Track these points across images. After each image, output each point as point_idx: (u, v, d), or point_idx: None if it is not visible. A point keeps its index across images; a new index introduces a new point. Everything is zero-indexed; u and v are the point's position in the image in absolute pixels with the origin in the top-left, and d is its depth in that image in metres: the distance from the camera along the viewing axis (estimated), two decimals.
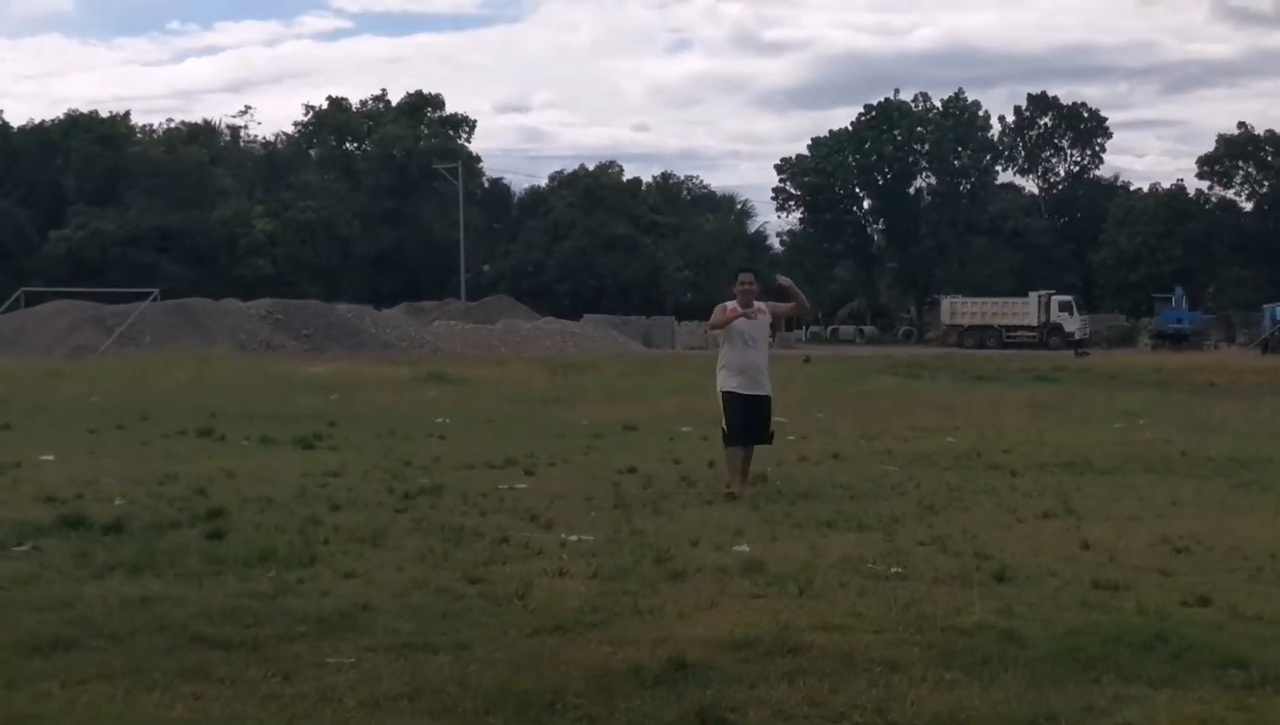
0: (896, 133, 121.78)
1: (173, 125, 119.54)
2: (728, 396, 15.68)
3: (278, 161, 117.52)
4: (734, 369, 15.72)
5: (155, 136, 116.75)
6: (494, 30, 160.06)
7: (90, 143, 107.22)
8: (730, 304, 15.96)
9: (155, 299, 68.93)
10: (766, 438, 16.05)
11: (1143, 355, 77.33)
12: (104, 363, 51.39)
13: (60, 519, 13.35)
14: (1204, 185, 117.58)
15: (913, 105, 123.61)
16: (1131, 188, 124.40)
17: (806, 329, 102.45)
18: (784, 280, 16.75)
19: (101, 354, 56.95)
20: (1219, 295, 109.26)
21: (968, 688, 7.83)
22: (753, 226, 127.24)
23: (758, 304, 15.95)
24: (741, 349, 15.73)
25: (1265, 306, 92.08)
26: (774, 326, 17.64)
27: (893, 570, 11.24)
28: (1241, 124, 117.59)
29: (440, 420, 26.13)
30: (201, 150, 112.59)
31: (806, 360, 56.17)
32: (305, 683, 7.97)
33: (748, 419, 15.53)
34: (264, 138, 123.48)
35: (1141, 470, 18.83)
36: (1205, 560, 11.75)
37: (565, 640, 8.88)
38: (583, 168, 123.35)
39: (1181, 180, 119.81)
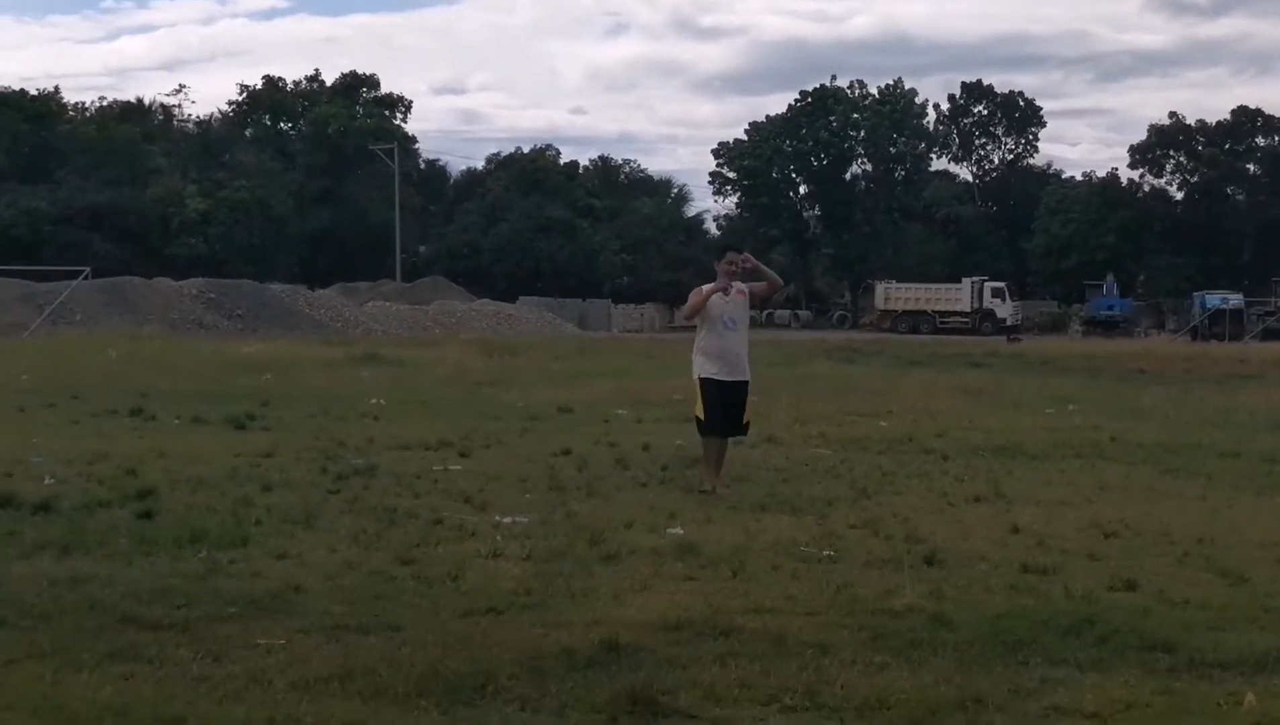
0: (832, 119, 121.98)
1: (106, 103, 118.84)
2: (706, 383, 14.83)
3: (211, 141, 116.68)
4: (713, 354, 14.92)
5: (88, 115, 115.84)
6: (431, 11, 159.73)
7: (20, 120, 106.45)
8: (706, 287, 15.24)
9: (87, 277, 68.35)
10: (742, 428, 15.30)
11: (1073, 342, 77.96)
12: (34, 341, 50.96)
13: None
14: (1135, 174, 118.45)
15: (849, 92, 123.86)
16: (1064, 176, 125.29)
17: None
18: (749, 259, 15.54)
19: (32, 333, 56.42)
20: (1150, 283, 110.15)
21: (897, 670, 7.87)
22: (690, 211, 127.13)
23: (736, 285, 15.12)
24: (721, 332, 14.93)
25: (1195, 294, 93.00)
26: (752, 308, 16.46)
27: (825, 553, 11.28)
28: (1173, 114, 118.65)
29: (374, 401, 26.03)
30: (134, 129, 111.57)
31: None
32: (235, 664, 7.94)
33: (725, 407, 14.73)
34: (198, 117, 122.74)
35: (1071, 455, 18.94)
36: (1133, 545, 11.85)
37: (498, 622, 8.88)
38: (519, 150, 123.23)
39: (1114, 169, 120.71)
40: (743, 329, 15.21)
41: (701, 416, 14.83)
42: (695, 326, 15.69)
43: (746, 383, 15.11)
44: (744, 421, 15.21)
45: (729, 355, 14.88)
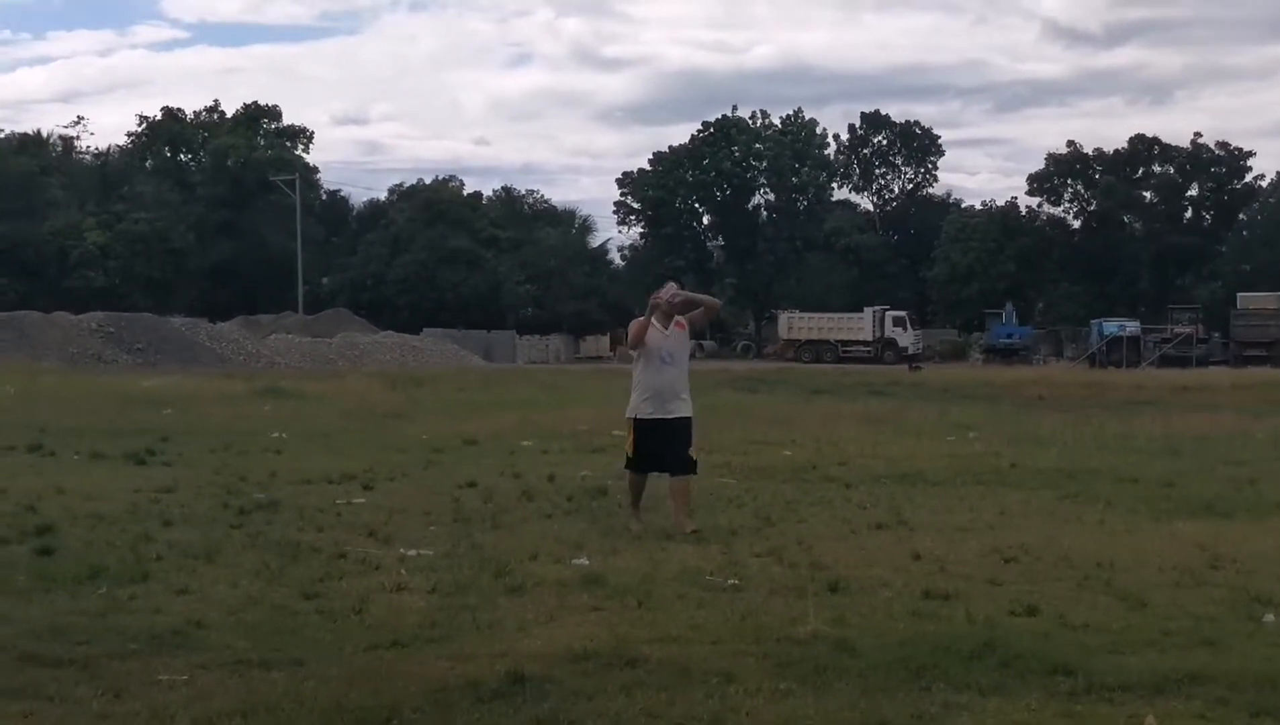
0: (735, 149, 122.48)
1: (2, 135, 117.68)
2: (638, 423, 14.30)
3: (110, 173, 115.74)
4: (647, 390, 14.28)
5: None
6: (332, 42, 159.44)
7: None
8: (641, 319, 14.63)
9: None
10: (688, 464, 14.36)
11: (974, 369, 78.58)
12: None
13: None
14: (1034, 202, 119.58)
15: (750, 122, 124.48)
16: (964, 205, 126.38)
17: None
18: (678, 294, 14.77)
19: None
20: (1048, 310, 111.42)
21: (802, 697, 7.91)
22: (594, 241, 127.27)
23: (676, 318, 14.40)
24: (658, 367, 14.24)
25: (1093, 322, 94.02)
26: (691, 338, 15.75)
27: (730, 582, 11.31)
28: (1070, 142, 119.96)
29: (276, 435, 25.88)
30: (31, 161, 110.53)
31: None
32: (137, 700, 7.89)
33: (659, 444, 14.10)
34: (96, 149, 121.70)
35: (972, 482, 19.07)
36: (1033, 570, 11.95)
37: (403, 655, 8.86)
38: (422, 181, 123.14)
39: (1013, 198, 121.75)
40: (681, 363, 14.56)
41: (630, 453, 14.48)
42: (631, 359, 15.21)
43: (687, 418, 14.42)
44: (690, 459, 14.42)
45: (665, 392, 14.23)
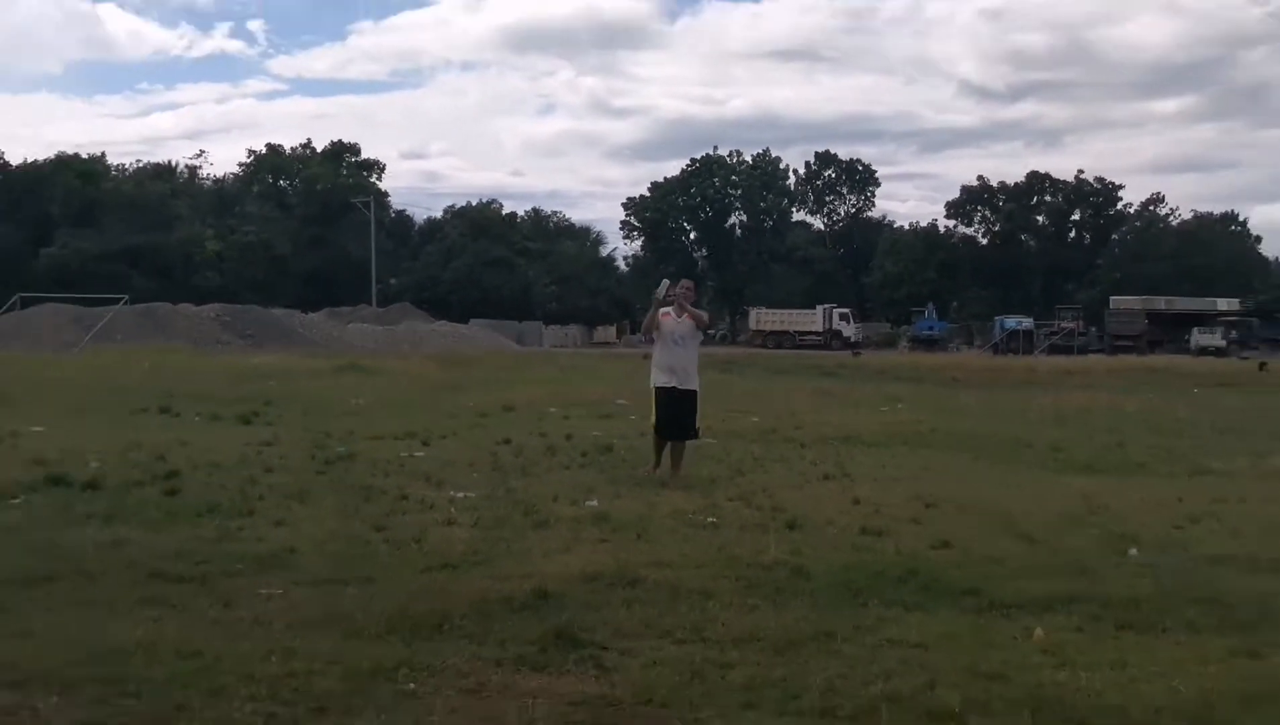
0: (715, 180, 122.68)
1: (141, 165, 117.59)
2: (657, 391, 13.88)
3: (225, 195, 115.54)
4: (664, 366, 13.89)
5: (127, 174, 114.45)
6: (400, 94, 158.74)
7: (73, 178, 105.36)
8: (665, 293, 14.15)
9: (125, 303, 67.74)
10: (692, 432, 14.19)
11: (902, 356, 78.39)
12: (83, 355, 50.26)
13: (47, 478, 13.09)
14: (951, 224, 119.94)
15: (728, 159, 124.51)
16: (895, 225, 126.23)
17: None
18: (690, 292, 14.37)
19: (81, 349, 55.63)
20: (961, 309, 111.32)
21: (765, 611, 7.91)
22: (604, 251, 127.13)
23: (687, 311, 14.01)
24: (671, 348, 13.85)
25: (996, 318, 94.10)
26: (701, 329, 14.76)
27: (709, 520, 11.30)
28: (980, 177, 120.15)
29: (354, 402, 25.90)
30: (164, 185, 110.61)
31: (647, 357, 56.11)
32: (243, 609, 7.89)
33: (674, 413, 13.71)
34: (215, 176, 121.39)
35: (900, 443, 19.08)
36: (948, 513, 11.93)
37: (452, 576, 8.85)
38: (470, 203, 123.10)
39: (935, 220, 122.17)
40: (691, 347, 14.16)
41: (653, 418, 13.98)
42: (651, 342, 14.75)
43: (694, 392, 14.04)
44: (695, 426, 14.26)
45: (678, 367, 13.82)
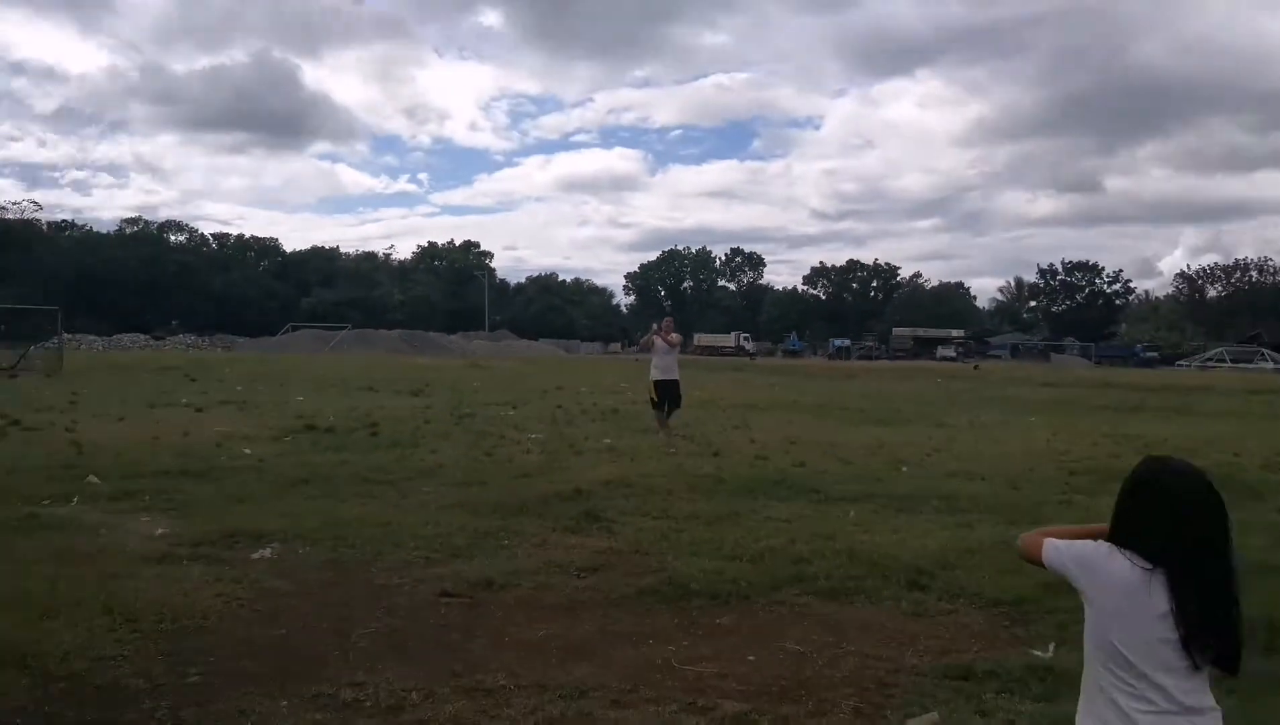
0: (676, 263, 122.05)
1: (358, 253, 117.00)
2: (654, 382, 12.61)
3: (405, 270, 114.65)
4: (658, 367, 12.61)
5: (350, 258, 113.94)
6: (502, 214, 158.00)
7: (321, 260, 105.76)
8: (656, 327, 13.05)
9: (349, 329, 67.71)
10: (677, 404, 12.71)
11: (778, 360, 78.27)
12: (322, 358, 50.06)
13: (304, 426, 13.08)
14: (805, 287, 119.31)
15: (683, 252, 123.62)
16: (775, 288, 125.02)
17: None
18: (670, 329, 13.08)
19: (323, 355, 55.42)
20: (811, 335, 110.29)
21: (702, 501, 7.89)
22: (614, 302, 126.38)
23: (673, 335, 12.88)
24: (661, 356, 12.61)
25: (830, 340, 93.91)
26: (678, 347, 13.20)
27: (670, 451, 11.27)
28: (820, 262, 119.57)
29: (475, 385, 25.82)
30: (370, 264, 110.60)
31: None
32: (412, 498, 7.89)
33: (664, 394, 12.46)
34: (399, 259, 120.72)
35: (777, 408, 19.03)
36: (803, 446, 11.88)
37: (527, 481, 8.83)
38: (540, 275, 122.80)
39: (796, 286, 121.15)
40: (673, 356, 12.79)
41: (652, 398, 12.73)
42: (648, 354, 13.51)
43: (677, 381, 12.66)
44: (679, 400, 12.83)
45: (666, 367, 12.55)
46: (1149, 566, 1.96)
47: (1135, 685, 1.94)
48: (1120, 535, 2.02)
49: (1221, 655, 1.95)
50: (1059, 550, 2.06)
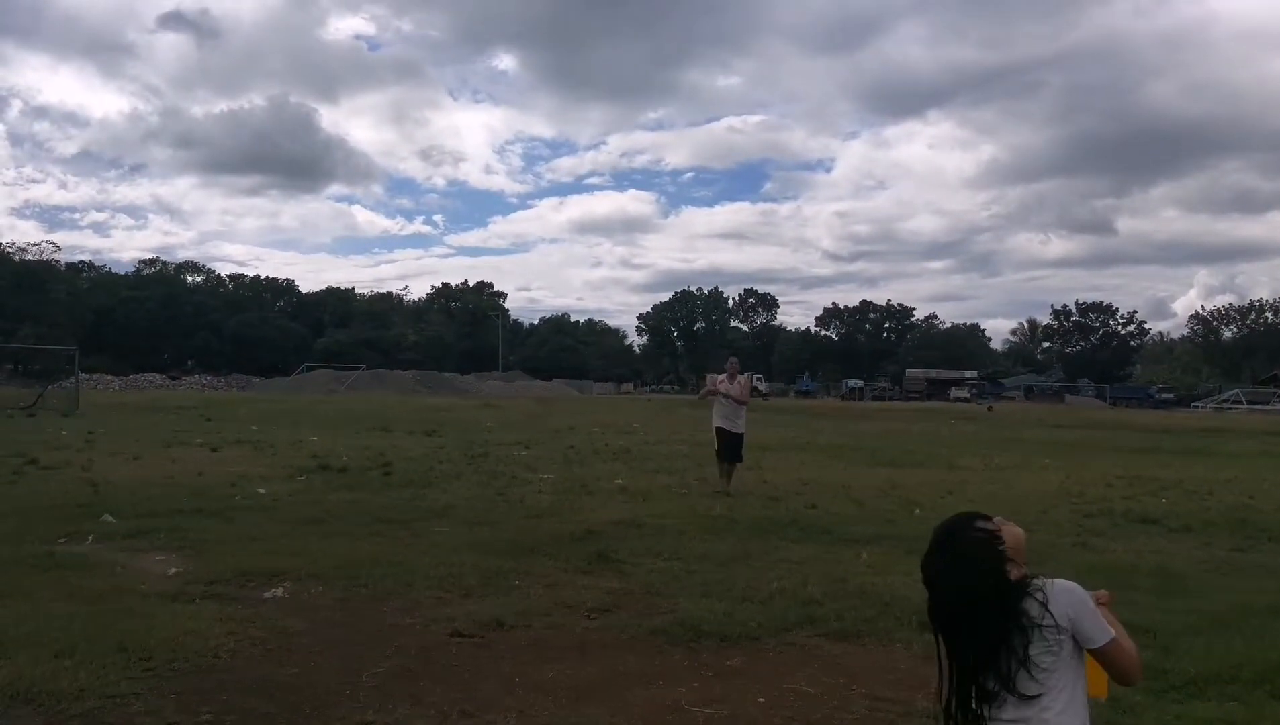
0: (689, 305, 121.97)
1: (373, 294, 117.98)
2: (717, 431, 11.41)
3: (420, 310, 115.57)
4: (721, 415, 11.37)
5: (365, 299, 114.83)
6: (517, 256, 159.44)
7: (336, 301, 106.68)
8: (719, 378, 11.80)
9: (363, 369, 68.01)
10: (739, 457, 11.51)
11: (791, 400, 78.17)
12: (337, 398, 50.28)
13: (318, 465, 13.13)
14: (818, 329, 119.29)
15: (695, 293, 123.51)
16: (788, 329, 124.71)
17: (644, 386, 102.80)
18: (738, 381, 11.77)
19: (337, 394, 55.67)
20: (824, 375, 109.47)
21: (714, 541, 7.87)
22: (626, 342, 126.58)
23: (740, 378, 11.73)
24: (725, 404, 11.37)
25: (843, 380, 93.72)
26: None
27: (682, 491, 11.28)
28: (834, 302, 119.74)
29: (488, 424, 25.85)
30: (385, 305, 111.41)
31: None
32: (424, 539, 7.88)
33: (729, 446, 11.29)
34: (413, 300, 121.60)
35: (790, 448, 18.92)
36: (815, 488, 11.87)
37: (539, 521, 8.83)
38: (554, 316, 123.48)
39: (810, 326, 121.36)
40: (741, 409, 11.51)
41: (716, 448, 11.49)
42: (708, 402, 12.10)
43: (742, 435, 11.41)
44: (741, 454, 11.55)
45: (729, 415, 11.31)
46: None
47: None
48: None
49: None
50: None
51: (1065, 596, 1.96)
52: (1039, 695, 1.95)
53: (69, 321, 73.43)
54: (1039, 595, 1.96)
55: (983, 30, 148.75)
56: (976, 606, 1.97)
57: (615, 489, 11.35)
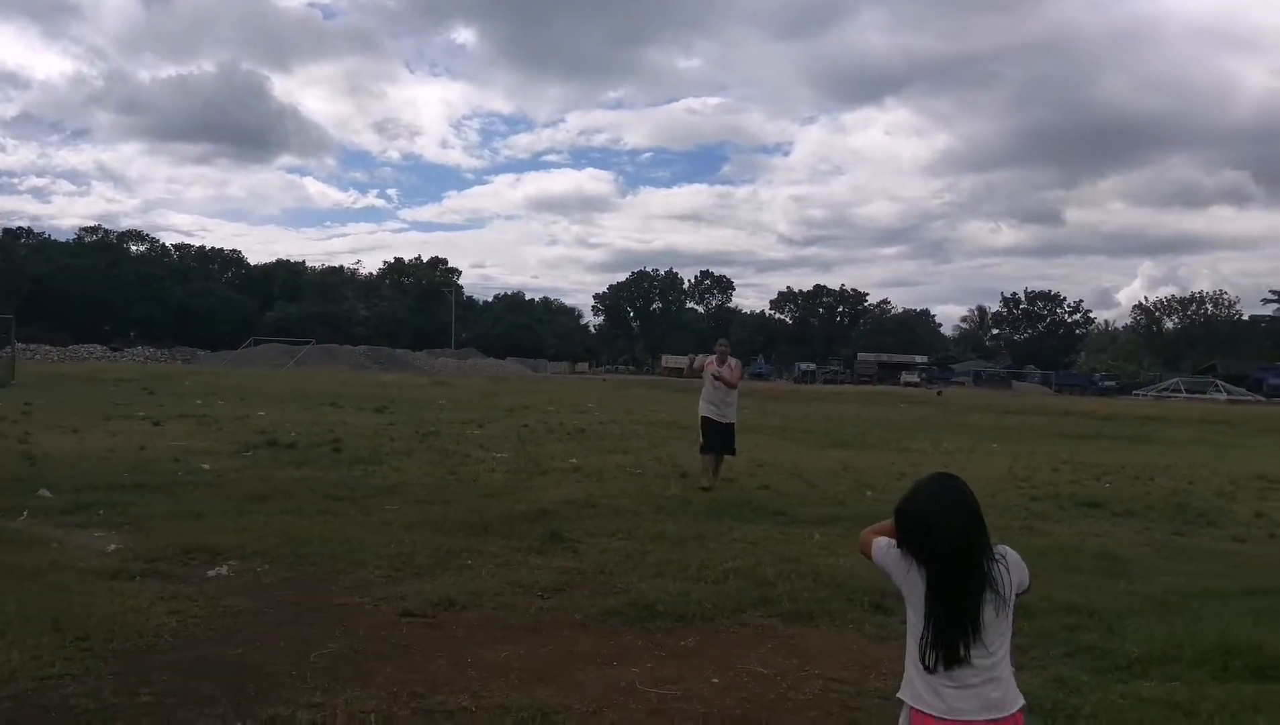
0: (645, 285, 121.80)
1: (324, 267, 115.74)
2: (704, 420, 10.24)
3: (371, 285, 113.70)
4: (709, 401, 10.21)
5: (316, 272, 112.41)
6: (472, 231, 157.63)
7: (286, 273, 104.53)
8: (710, 358, 10.59)
9: (312, 344, 66.86)
10: (731, 450, 10.38)
11: (748, 382, 78.50)
12: (285, 373, 49.41)
13: (265, 441, 12.90)
14: (773, 312, 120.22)
15: (651, 274, 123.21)
16: (743, 311, 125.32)
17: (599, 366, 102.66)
18: (726, 359, 10.55)
19: (286, 369, 54.67)
20: (777, 359, 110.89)
21: (667, 522, 7.88)
22: (582, 322, 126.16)
23: (730, 360, 10.50)
24: (714, 389, 10.23)
25: (796, 363, 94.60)
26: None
27: (636, 471, 11.29)
28: (788, 287, 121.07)
29: (440, 402, 25.60)
30: (336, 279, 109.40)
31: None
32: (374, 517, 7.78)
33: (715, 438, 10.15)
34: (365, 274, 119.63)
35: (745, 430, 18.92)
36: (770, 470, 11.95)
37: (492, 500, 8.77)
38: (508, 294, 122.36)
39: (764, 310, 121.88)
40: (732, 394, 10.44)
41: (701, 440, 10.31)
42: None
43: (732, 424, 10.34)
44: (733, 446, 10.44)
45: (719, 404, 10.21)
46: (915, 562, 2.22)
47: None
48: (900, 533, 2.26)
49: (946, 659, 2.16)
50: (881, 550, 2.31)
51: (1017, 566, 2.27)
52: (1001, 641, 2.19)
53: (5, 289, 70.98)
54: (1001, 561, 2.24)
55: (942, 20, 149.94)
56: (975, 545, 2.17)
57: (569, 468, 11.31)
